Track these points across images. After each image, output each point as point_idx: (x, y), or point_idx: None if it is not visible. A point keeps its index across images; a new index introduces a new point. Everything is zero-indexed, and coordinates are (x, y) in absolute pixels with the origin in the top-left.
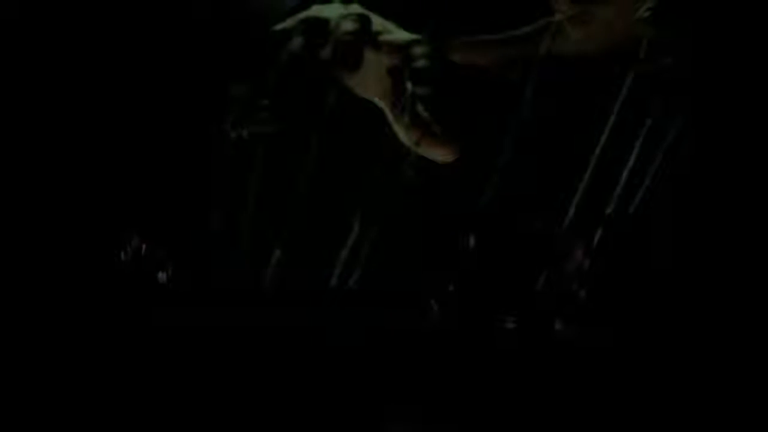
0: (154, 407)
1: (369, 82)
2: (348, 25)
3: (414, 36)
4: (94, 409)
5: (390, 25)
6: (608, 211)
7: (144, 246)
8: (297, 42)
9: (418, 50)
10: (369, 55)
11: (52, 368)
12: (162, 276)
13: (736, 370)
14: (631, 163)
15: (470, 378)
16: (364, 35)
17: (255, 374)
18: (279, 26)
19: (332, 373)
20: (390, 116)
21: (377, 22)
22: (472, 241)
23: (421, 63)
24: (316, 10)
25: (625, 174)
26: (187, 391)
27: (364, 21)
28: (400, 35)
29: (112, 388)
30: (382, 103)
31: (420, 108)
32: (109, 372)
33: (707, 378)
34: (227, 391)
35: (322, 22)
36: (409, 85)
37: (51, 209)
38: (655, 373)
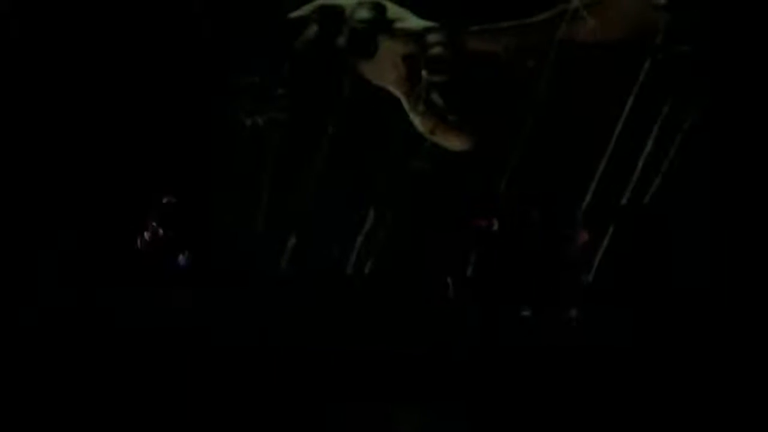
0: (171, 395)
1: (384, 69)
2: (363, 13)
3: (429, 23)
4: (106, 398)
5: (405, 13)
6: (623, 200)
7: (161, 231)
8: (312, 30)
9: (433, 38)
10: (384, 43)
11: (59, 357)
12: (182, 259)
13: (753, 363)
14: (648, 150)
15: (487, 365)
16: (380, 23)
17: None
18: (294, 14)
19: (343, 358)
20: (405, 104)
21: (392, 9)
22: (487, 228)
23: (436, 51)
24: None
25: (641, 162)
26: (189, 385)
27: (379, 9)
28: (415, 23)
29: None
30: (397, 91)
31: (435, 96)
32: (119, 360)
33: (719, 369)
34: (232, 383)
35: (337, 10)
36: (424, 73)
37: (68, 196)
38: (671, 366)
